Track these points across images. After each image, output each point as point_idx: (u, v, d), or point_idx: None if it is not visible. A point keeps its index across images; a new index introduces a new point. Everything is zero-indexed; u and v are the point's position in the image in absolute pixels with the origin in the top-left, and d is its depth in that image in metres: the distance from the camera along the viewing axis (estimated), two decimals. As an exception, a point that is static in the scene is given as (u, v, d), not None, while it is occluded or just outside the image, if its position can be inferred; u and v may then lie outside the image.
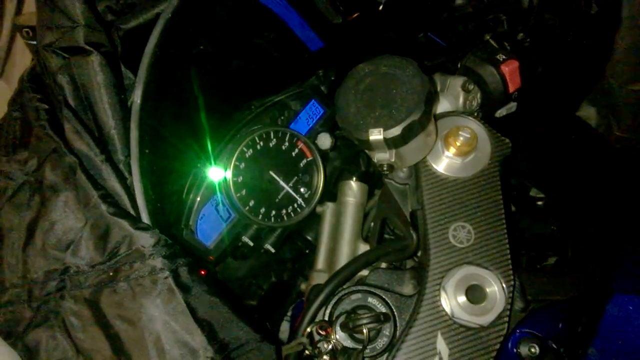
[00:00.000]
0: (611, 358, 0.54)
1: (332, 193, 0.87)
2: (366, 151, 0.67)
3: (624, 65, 0.73)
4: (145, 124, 0.59)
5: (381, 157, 0.64)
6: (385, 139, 0.60)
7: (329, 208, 0.84)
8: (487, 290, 0.62)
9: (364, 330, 0.59)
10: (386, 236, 0.82)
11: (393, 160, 0.65)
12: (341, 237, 0.81)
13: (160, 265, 0.47)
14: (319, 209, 0.85)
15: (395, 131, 0.60)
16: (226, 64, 0.81)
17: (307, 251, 0.93)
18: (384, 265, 0.73)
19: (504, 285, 0.62)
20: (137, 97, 0.57)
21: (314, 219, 0.87)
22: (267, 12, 0.77)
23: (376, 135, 0.60)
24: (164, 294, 0.47)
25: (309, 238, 0.90)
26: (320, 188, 0.84)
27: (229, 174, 0.78)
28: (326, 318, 0.64)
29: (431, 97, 0.62)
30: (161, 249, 0.48)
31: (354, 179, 0.84)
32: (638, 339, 0.53)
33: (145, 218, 0.52)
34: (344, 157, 0.92)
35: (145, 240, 0.48)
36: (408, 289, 0.66)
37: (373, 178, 0.89)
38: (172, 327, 0.46)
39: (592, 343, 0.54)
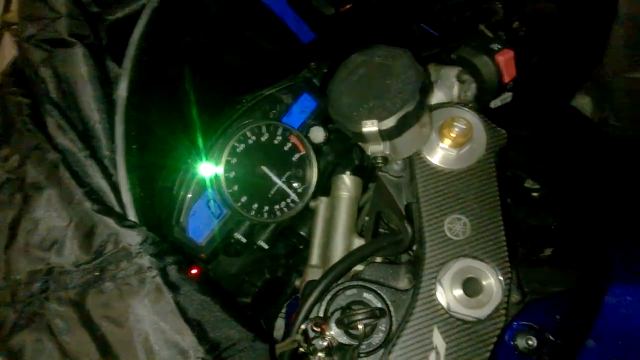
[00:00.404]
0: (610, 349, 0.53)
1: (325, 187, 0.85)
2: (360, 144, 0.66)
3: (620, 53, 0.72)
4: (132, 118, 0.57)
5: (375, 149, 0.63)
6: (379, 131, 0.59)
7: (322, 203, 0.83)
8: (484, 283, 0.61)
9: (360, 326, 0.58)
10: (381, 230, 0.81)
11: (387, 152, 0.64)
12: (335, 231, 0.79)
13: (148, 263, 0.46)
14: (312, 204, 0.83)
15: (390, 122, 0.59)
16: (217, 57, 0.79)
17: (301, 247, 0.91)
18: (379, 259, 0.72)
19: (501, 278, 0.61)
20: (122, 90, 0.55)
21: (308, 214, 0.86)
22: (257, 3, 0.75)
23: (370, 127, 0.59)
24: (152, 293, 0.45)
25: (302, 234, 0.89)
26: (314, 182, 0.83)
27: (220, 170, 0.76)
28: (321, 314, 0.63)
29: (426, 88, 0.61)
30: (149, 247, 0.46)
31: (348, 172, 0.83)
32: (637, 329, 0.52)
33: (132, 215, 0.50)
34: (337, 151, 0.91)
35: (132, 238, 0.46)
36: (404, 283, 0.65)
37: (367, 172, 0.88)
38: (161, 327, 0.44)
39: (590, 334, 0.53)
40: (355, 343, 0.59)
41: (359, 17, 0.90)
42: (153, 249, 0.47)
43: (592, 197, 0.82)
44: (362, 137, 0.61)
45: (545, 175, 0.88)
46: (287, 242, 0.91)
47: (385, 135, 0.60)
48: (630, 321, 0.53)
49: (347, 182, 0.81)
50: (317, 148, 0.85)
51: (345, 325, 0.59)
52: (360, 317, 0.58)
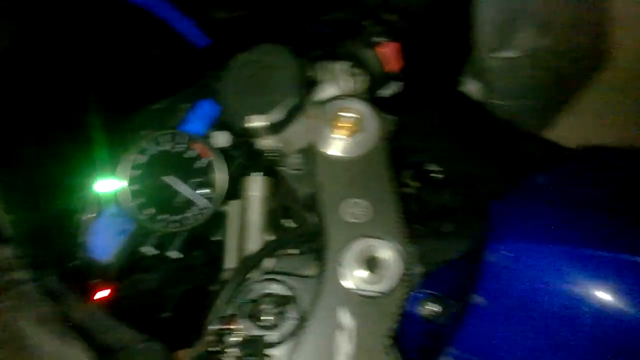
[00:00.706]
0: (499, 304, 0.57)
1: (236, 191, 0.86)
2: (253, 140, 0.68)
3: (487, 33, 0.79)
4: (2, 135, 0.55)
5: (267, 143, 0.65)
6: (265, 125, 0.61)
7: (233, 206, 0.83)
8: (384, 258, 0.64)
9: (266, 317, 0.59)
10: (291, 224, 0.83)
11: (280, 145, 0.66)
12: (248, 233, 0.80)
13: (25, 276, 0.44)
14: (223, 208, 0.83)
15: (275, 116, 0.61)
16: (105, 68, 0.78)
17: (220, 254, 0.91)
18: (293, 252, 0.74)
19: (400, 251, 0.64)
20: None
21: (222, 219, 0.85)
22: (139, 10, 0.75)
23: (257, 122, 0.61)
24: (33, 305, 0.43)
25: (218, 239, 0.88)
26: (222, 187, 0.83)
27: (122, 184, 0.75)
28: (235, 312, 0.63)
29: (307, 80, 0.63)
30: (24, 260, 0.45)
31: (257, 173, 0.84)
32: (519, 283, 0.56)
33: (4, 232, 0.48)
34: (245, 153, 0.91)
35: (4, 253, 0.45)
36: (311, 270, 0.67)
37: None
38: (45, 339, 0.43)
39: (479, 292, 0.57)
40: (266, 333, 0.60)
41: (252, 20, 0.92)
42: (28, 261, 0.45)
43: (484, 171, 0.88)
44: (252, 132, 0.62)
45: (444, 157, 0.94)
46: (205, 250, 0.90)
47: (272, 129, 0.62)
48: (512, 276, 0.57)
49: (256, 182, 0.82)
50: (225, 152, 0.86)
51: (254, 317, 0.60)
52: (265, 306, 0.59)
